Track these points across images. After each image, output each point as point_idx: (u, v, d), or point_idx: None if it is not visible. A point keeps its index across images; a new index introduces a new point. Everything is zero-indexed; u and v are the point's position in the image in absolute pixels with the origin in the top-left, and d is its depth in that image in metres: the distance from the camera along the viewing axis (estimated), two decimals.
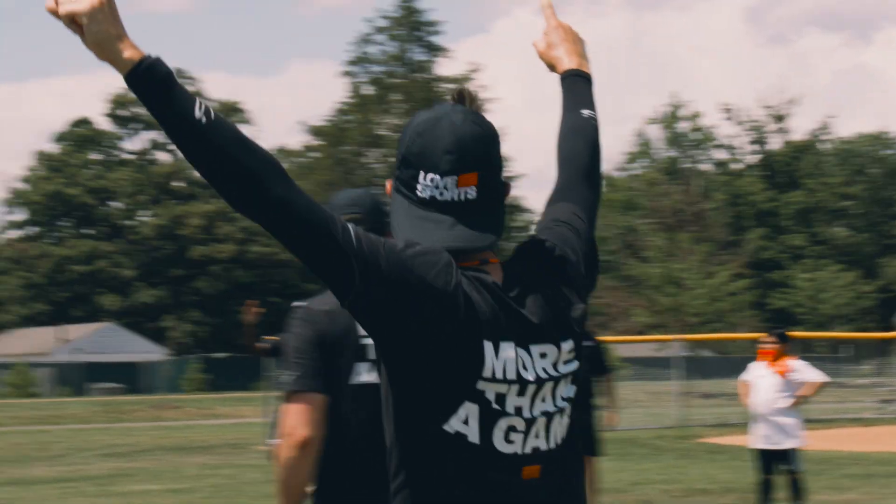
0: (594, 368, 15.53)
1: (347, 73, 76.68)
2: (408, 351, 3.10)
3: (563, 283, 3.31)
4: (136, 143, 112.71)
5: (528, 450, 3.17)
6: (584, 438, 15.10)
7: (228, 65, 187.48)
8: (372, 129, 73.29)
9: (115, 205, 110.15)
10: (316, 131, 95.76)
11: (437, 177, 3.16)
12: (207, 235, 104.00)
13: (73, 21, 2.95)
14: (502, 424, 3.14)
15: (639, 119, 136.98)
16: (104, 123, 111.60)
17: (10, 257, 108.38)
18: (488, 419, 3.13)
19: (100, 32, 2.92)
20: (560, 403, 3.25)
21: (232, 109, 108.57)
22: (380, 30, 72.04)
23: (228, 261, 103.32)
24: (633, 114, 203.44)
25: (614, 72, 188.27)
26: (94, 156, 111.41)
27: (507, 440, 3.15)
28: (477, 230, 3.17)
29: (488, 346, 3.10)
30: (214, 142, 2.95)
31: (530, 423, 3.18)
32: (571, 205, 3.51)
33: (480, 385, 3.10)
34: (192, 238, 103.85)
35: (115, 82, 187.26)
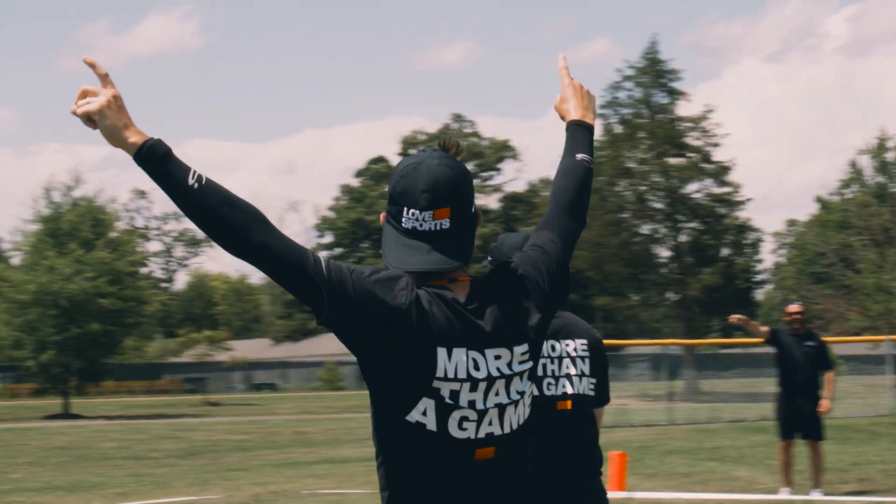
0: (819, 364, 16.29)
1: (600, 116, 74.84)
2: (374, 356, 3.44)
3: (522, 297, 3.61)
4: None
5: (481, 435, 3.49)
6: (810, 425, 16.04)
7: (500, 109, 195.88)
8: (622, 162, 74.57)
9: None
10: None
11: (417, 211, 3.50)
12: (482, 255, 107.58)
13: (88, 118, 3.43)
14: (456, 415, 3.46)
15: (851, 150, 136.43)
16: (396, 160, 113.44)
17: None
18: (443, 411, 3.45)
19: (109, 126, 3.38)
20: (514, 396, 3.55)
21: (503, 147, 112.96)
22: (627, 78, 74.47)
23: None
24: (846, 146, 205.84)
25: (829, 110, 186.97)
26: (388, 188, 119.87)
27: (461, 428, 3.47)
28: (448, 255, 3.47)
29: (441, 352, 3.43)
30: (205, 203, 3.34)
31: (482, 413, 3.49)
32: (550, 232, 3.85)
33: (436, 384, 3.43)
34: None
35: (406, 126, 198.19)
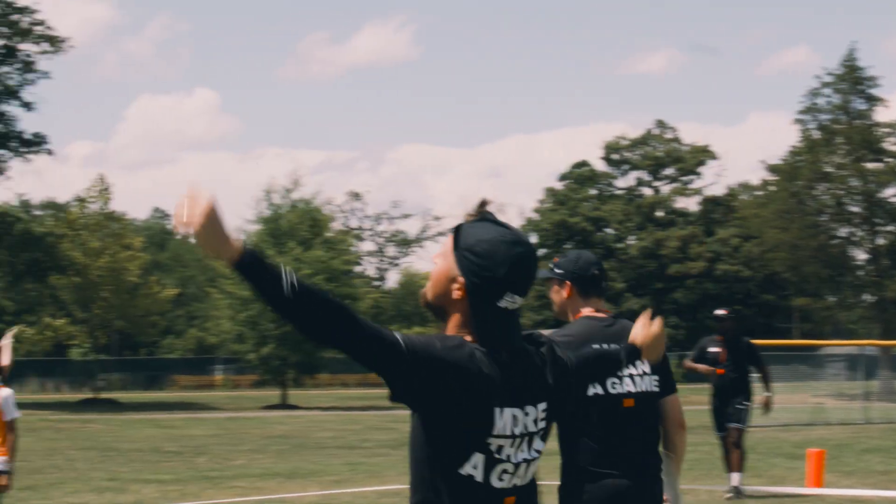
0: None
1: (798, 121, 78.11)
2: (443, 416, 3.65)
3: (547, 362, 3.91)
4: (625, 181, 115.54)
5: (510, 485, 3.77)
6: None
7: (700, 116, 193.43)
8: (820, 167, 74.63)
9: (608, 231, 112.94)
10: (773, 169, 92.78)
11: (518, 296, 3.76)
12: (682, 255, 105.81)
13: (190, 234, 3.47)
14: (498, 468, 3.72)
15: None
16: (599, 165, 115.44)
17: None
18: (490, 464, 3.71)
19: (207, 243, 3.44)
20: (533, 454, 3.82)
21: (702, 151, 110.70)
22: (826, 84, 73.99)
23: (699, 276, 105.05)
24: None
25: None
26: (591, 191, 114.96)
27: (500, 479, 3.74)
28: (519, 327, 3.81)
29: (497, 411, 3.67)
30: (299, 310, 3.46)
31: (516, 466, 3.76)
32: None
33: (490, 440, 3.68)
34: (670, 257, 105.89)
35: (609, 132, 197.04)
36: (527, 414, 3.79)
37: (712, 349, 16.47)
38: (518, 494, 3.81)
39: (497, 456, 3.73)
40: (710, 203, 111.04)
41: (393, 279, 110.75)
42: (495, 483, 3.74)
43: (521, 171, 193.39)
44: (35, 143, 56.98)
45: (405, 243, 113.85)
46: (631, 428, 6.11)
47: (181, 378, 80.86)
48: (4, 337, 11.39)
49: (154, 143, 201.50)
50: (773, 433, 31.87)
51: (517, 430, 3.76)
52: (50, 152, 57.71)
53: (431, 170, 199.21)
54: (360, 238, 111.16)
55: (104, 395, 60.92)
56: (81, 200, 61.43)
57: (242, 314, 60.08)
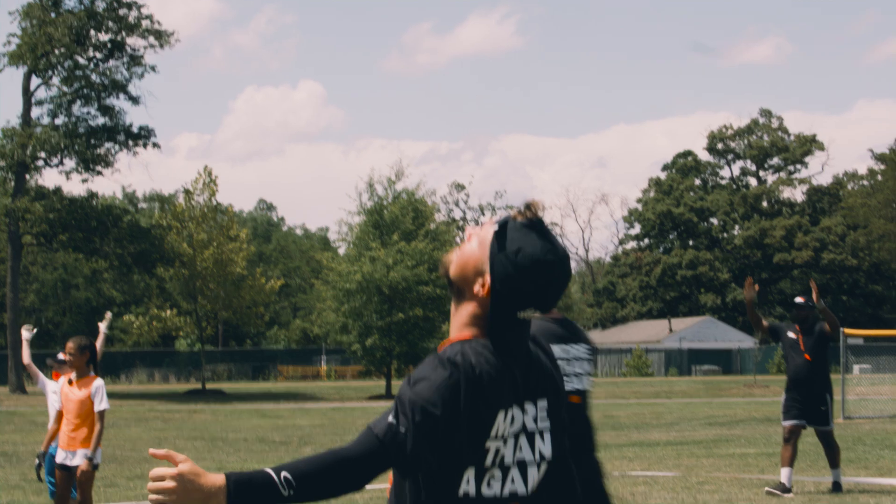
0: None
1: None
2: (453, 454, 3.42)
3: (548, 356, 3.71)
4: (730, 170, 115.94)
5: (505, 493, 3.49)
6: None
7: (806, 104, 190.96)
8: None
9: (713, 221, 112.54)
10: (880, 158, 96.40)
11: (539, 312, 3.57)
12: (788, 244, 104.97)
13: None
14: (486, 476, 3.46)
15: None
16: (704, 155, 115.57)
17: (630, 264, 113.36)
18: (481, 474, 3.46)
19: None
20: (537, 457, 3.56)
21: (808, 141, 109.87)
22: None
23: (805, 265, 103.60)
24: None
25: None
26: (695, 181, 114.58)
27: (489, 486, 3.47)
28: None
29: (501, 414, 3.46)
30: (305, 496, 3.33)
31: (506, 470, 3.48)
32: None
33: (487, 444, 3.46)
34: (776, 246, 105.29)
35: (714, 122, 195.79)
36: (525, 412, 3.56)
37: (791, 334, 15.36)
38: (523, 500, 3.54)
39: (487, 462, 3.48)
40: (816, 192, 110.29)
41: None
42: (485, 492, 3.49)
43: (625, 161, 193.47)
44: (142, 137, 57.23)
45: None
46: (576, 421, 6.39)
47: (286, 368, 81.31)
48: (102, 323, 10.94)
49: (260, 135, 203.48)
50: (881, 424, 31.02)
51: (512, 430, 3.52)
52: (156, 145, 57.83)
53: (534, 160, 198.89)
54: (462, 229, 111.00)
55: (211, 386, 61.17)
56: (188, 192, 61.30)
57: (346, 305, 60.07)
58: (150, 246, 56.33)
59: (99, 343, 11.08)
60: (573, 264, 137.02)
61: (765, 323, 15.23)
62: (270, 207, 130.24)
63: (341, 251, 77.56)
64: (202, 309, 61.36)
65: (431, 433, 3.38)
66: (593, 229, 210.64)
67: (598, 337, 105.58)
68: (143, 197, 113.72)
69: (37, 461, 10.78)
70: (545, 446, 3.62)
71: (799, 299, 15.42)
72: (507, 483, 3.53)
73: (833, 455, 15.33)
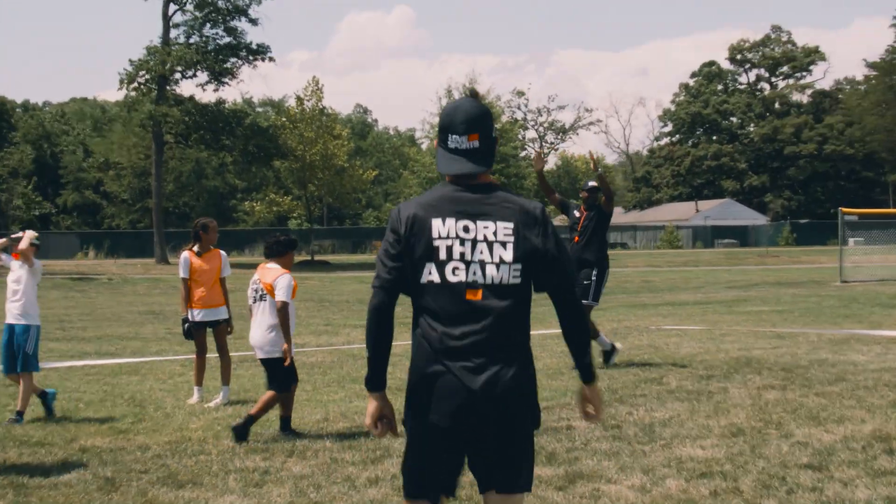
0: None
1: (895, 25, 75.12)
2: (410, 255, 3.83)
3: (517, 204, 3.89)
4: (747, 77, 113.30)
5: (468, 279, 3.78)
6: None
7: (811, 20, 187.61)
8: None
9: (733, 119, 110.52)
10: (872, 65, 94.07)
11: (457, 136, 3.88)
12: (796, 139, 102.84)
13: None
14: (450, 266, 3.77)
15: None
16: (725, 64, 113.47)
17: (663, 156, 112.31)
18: (441, 265, 3.78)
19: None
20: (496, 258, 3.80)
21: (813, 52, 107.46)
22: None
23: (810, 156, 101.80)
24: None
25: None
26: (718, 86, 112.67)
27: (454, 274, 3.77)
28: (477, 164, 3.85)
29: (436, 221, 3.80)
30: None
31: (469, 264, 3.78)
32: (563, 277, 3.91)
33: (435, 242, 3.80)
34: (785, 141, 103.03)
35: (733, 36, 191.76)
36: (486, 227, 3.85)
37: (576, 213, 12.93)
38: (484, 290, 3.80)
39: (444, 258, 3.81)
40: (820, 95, 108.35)
41: (552, 161, 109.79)
42: (450, 278, 3.80)
43: (662, 72, 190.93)
44: (260, 53, 56.79)
45: (562, 131, 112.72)
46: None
47: (379, 243, 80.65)
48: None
49: (359, 52, 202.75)
50: (872, 287, 30.61)
51: (468, 236, 3.82)
52: (272, 59, 57.39)
53: (584, 72, 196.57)
54: (524, 127, 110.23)
55: (318, 258, 61.24)
56: (299, 99, 61.05)
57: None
58: (268, 142, 56.12)
59: (23, 244, 9.97)
60: (615, 156, 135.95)
61: (557, 196, 12.93)
62: (366, 111, 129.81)
63: (424, 146, 77.49)
64: (311, 194, 61.51)
65: (398, 235, 3.89)
66: (633, 127, 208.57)
67: (636, 216, 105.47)
68: (259, 102, 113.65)
69: (184, 324, 10.70)
70: (506, 252, 3.83)
71: (591, 183, 12.81)
72: (472, 275, 3.80)
73: (592, 331, 12.42)
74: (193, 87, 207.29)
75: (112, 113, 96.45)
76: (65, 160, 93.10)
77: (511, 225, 3.84)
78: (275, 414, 9.46)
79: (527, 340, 3.86)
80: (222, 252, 10.67)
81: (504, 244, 3.83)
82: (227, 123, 55.61)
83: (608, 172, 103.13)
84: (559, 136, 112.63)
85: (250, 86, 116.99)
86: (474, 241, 3.83)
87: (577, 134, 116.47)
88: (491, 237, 3.83)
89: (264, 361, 8.82)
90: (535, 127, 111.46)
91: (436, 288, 3.80)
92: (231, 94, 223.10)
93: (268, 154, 56.43)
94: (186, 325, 10.64)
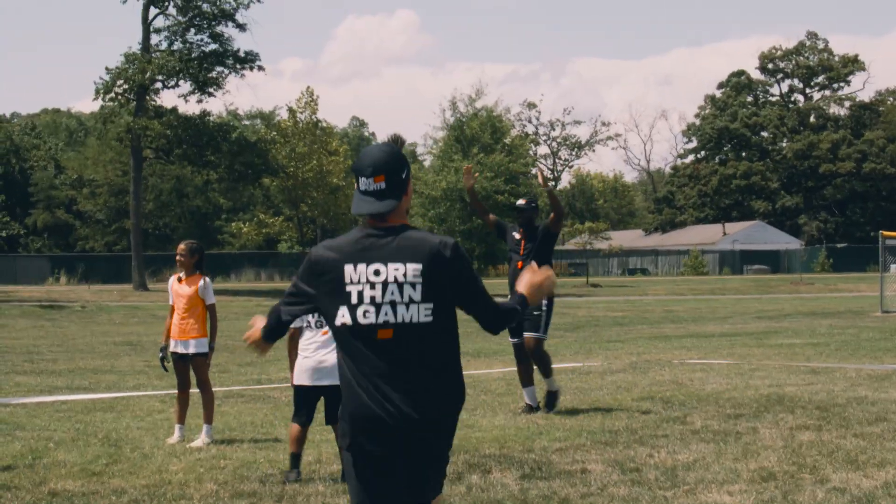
0: None
1: None
2: (321, 301, 4.46)
3: (427, 244, 4.38)
4: (779, 88, 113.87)
5: (379, 321, 4.32)
6: None
7: (849, 27, 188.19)
8: None
9: (764, 134, 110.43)
10: None
11: (365, 178, 4.43)
12: (833, 156, 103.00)
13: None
14: (360, 309, 4.33)
15: None
16: (756, 74, 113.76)
17: (688, 174, 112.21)
18: (353, 309, 4.34)
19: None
20: (406, 299, 4.33)
21: (852, 61, 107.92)
22: None
23: (848, 175, 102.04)
24: None
25: None
26: (748, 98, 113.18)
27: (364, 317, 4.33)
28: (383, 204, 4.36)
29: (348, 266, 4.37)
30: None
31: (379, 306, 4.32)
32: (477, 306, 4.55)
33: (347, 288, 4.37)
34: (822, 158, 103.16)
35: (766, 44, 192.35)
36: (395, 269, 4.36)
37: (515, 234, 12.53)
38: (395, 329, 4.35)
39: (355, 301, 4.38)
40: (859, 108, 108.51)
41: (566, 179, 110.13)
42: (361, 320, 4.36)
43: (684, 82, 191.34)
44: (248, 61, 56.90)
45: (577, 147, 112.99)
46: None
47: None
48: None
49: (357, 60, 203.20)
50: None
51: (378, 279, 4.36)
52: (261, 68, 57.49)
53: (603, 81, 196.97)
54: (536, 143, 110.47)
55: None
56: (291, 111, 61.24)
57: (432, 211, 60.28)
58: (257, 158, 56.37)
59: None
60: (634, 174, 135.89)
61: (491, 217, 12.68)
62: (363, 124, 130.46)
63: (426, 163, 77.77)
64: (303, 215, 61.61)
65: (307, 281, 4.52)
66: (654, 143, 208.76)
67: (657, 240, 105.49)
68: (245, 115, 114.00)
69: (160, 353, 10.84)
70: (415, 293, 4.34)
71: (521, 202, 12.59)
72: (384, 316, 4.34)
73: (543, 365, 12.29)
74: (175, 97, 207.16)
75: (87, 125, 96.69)
76: (35, 177, 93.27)
77: (419, 266, 4.35)
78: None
79: (446, 370, 4.43)
80: (205, 277, 10.79)
81: (413, 285, 4.35)
82: (211, 138, 55.83)
83: (562, 193, 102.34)
84: (574, 152, 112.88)
85: (237, 97, 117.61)
86: (385, 283, 4.35)
87: (594, 150, 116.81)
88: (401, 279, 4.36)
89: (323, 389, 8.71)
90: (548, 142, 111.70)
91: (348, 329, 4.37)
92: (216, 105, 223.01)
93: (256, 171, 56.55)
94: (161, 354, 10.83)
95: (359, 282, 4.36)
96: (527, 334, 12.29)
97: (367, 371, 4.34)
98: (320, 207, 59.76)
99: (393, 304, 4.33)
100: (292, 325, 6.21)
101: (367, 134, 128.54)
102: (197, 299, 10.66)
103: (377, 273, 4.35)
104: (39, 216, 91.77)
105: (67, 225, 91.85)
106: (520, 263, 12.29)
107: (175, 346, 10.65)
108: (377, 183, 4.39)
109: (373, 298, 4.34)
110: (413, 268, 4.34)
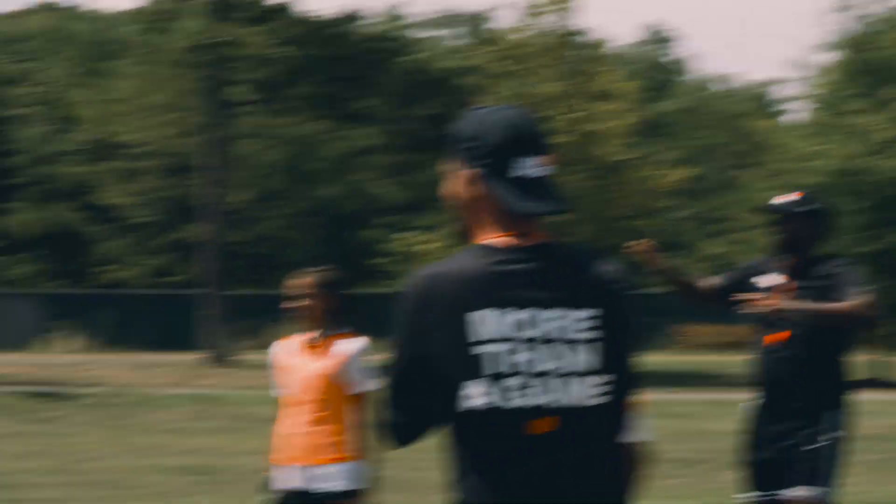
0: None
1: None
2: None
3: (602, 271, 3.33)
4: None
5: (531, 403, 3.21)
6: None
7: None
8: None
9: None
10: None
11: (525, 158, 3.38)
12: None
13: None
14: (502, 384, 3.22)
15: None
16: None
17: None
18: (490, 385, 3.23)
19: None
20: (578, 366, 3.23)
21: None
22: None
23: None
24: None
25: None
26: None
27: (505, 397, 3.22)
28: (562, 200, 3.53)
29: (475, 315, 3.20)
30: None
31: (532, 377, 3.23)
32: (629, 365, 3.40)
33: (478, 349, 3.21)
34: None
35: None
36: (555, 318, 3.37)
37: (767, 279, 7.68)
38: (562, 415, 3.34)
39: (493, 370, 3.34)
40: None
41: None
42: (505, 403, 3.35)
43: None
44: None
45: None
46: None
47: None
48: None
49: None
50: None
51: (530, 334, 3.34)
52: None
53: None
54: None
55: None
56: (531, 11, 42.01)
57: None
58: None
59: None
60: None
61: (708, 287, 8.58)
62: (663, 40, 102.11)
63: (794, 118, 61.72)
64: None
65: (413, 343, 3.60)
66: None
67: None
68: (423, 20, 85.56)
69: (261, 489, 9.85)
70: (591, 357, 3.37)
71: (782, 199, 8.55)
72: (541, 395, 3.33)
73: None
74: None
75: (116, 38, 62.71)
76: (15, 134, 62.43)
77: (594, 311, 3.40)
78: None
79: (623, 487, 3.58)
80: (357, 338, 8.28)
81: (588, 343, 3.39)
82: (369, 65, 46.59)
83: None
84: None
85: None
86: (541, 342, 3.37)
87: None
88: (566, 335, 3.38)
89: None
90: None
91: (481, 417, 3.32)
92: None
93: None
94: (262, 492, 10.11)
95: (497, 338, 3.32)
96: (795, 494, 9.11)
97: (510, 486, 3.36)
98: (590, 202, 39.64)
99: (555, 378, 3.37)
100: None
101: (665, 58, 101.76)
102: (340, 382, 8.17)
103: (527, 324, 3.34)
104: (21, 214, 62.29)
105: (73, 234, 63.10)
106: (775, 336, 8.03)
107: (290, 478, 8.14)
108: (547, 166, 3.39)
109: (521, 366, 3.35)
110: (584, 315, 3.38)
